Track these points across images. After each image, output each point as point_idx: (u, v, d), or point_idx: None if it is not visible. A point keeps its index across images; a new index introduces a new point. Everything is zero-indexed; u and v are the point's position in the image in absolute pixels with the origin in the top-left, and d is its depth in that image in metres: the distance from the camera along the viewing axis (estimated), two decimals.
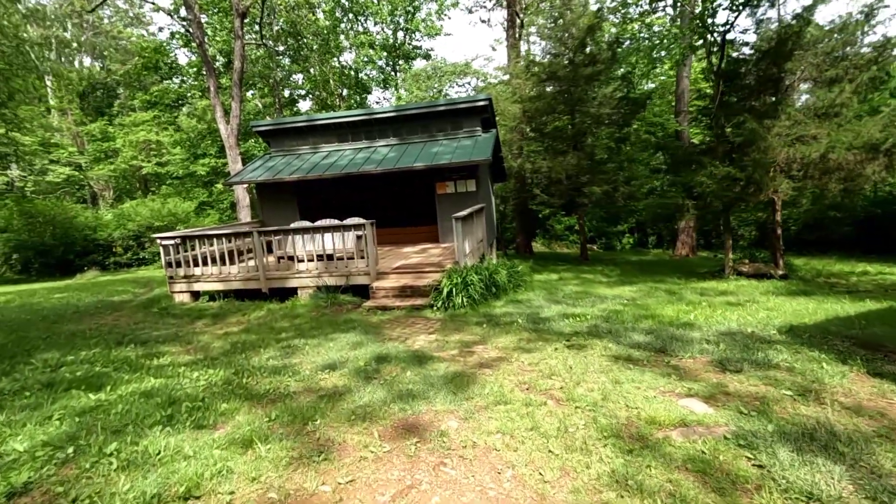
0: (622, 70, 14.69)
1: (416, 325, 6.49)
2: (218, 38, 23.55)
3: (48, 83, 29.13)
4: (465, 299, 7.27)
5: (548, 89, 14.86)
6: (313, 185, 12.81)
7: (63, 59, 35.68)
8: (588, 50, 14.23)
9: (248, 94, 28.19)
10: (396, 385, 4.01)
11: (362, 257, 8.70)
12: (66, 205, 23.19)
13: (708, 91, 11.56)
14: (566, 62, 14.36)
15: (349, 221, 8.81)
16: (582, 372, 4.00)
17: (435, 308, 7.24)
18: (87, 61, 38.97)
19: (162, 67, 21.91)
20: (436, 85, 22.89)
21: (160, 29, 28.56)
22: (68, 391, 4.08)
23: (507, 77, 18.98)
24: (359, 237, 8.94)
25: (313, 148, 12.87)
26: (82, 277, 19.19)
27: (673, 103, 18.69)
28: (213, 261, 9.12)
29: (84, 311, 9.31)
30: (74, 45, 36.24)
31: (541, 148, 15.43)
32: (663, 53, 22.38)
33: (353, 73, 27.08)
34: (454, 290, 7.28)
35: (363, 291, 8.48)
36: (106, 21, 36.93)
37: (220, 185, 25.80)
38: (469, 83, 23.56)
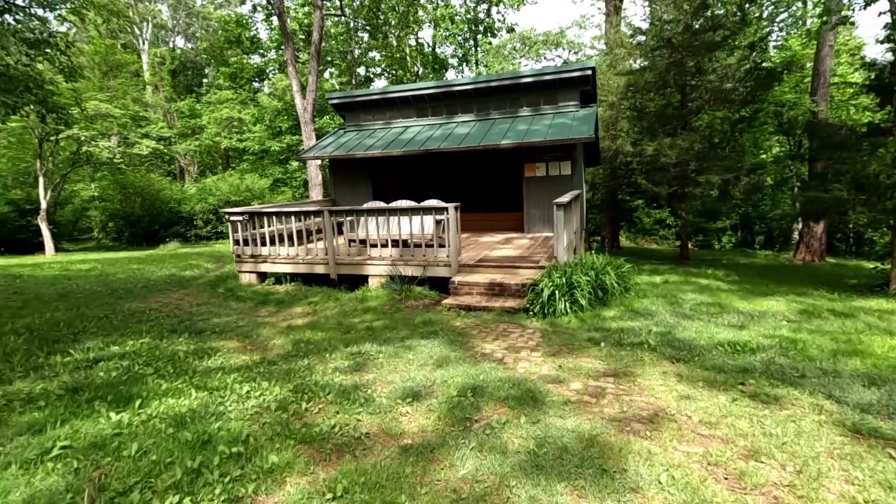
0: (755, 36, 12.30)
1: (510, 335, 5.24)
2: (300, 13, 23.24)
3: (144, 60, 30.53)
4: (568, 305, 5.90)
5: (657, 60, 12.81)
6: (388, 163, 11.84)
7: (159, 39, 37.57)
8: (710, 13, 12.03)
9: (325, 74, 27.94)
10: (510, 442, 2.78)
11: (442, 245, 7.55)
12: (154, 177, 24.14)
13: (881, 61, 9.15)
14: (681, 28, 12.24)
15: (428, 204, 7.68)
16: (809, 455, 2.54)
17: (531, 313, 5.94)
18: (180, 42, 40.94)
19: (243, 41, 21.95)
20: (520, 59, 21.14)
21: (242, 2, 28.74)
22: (91, 404, 3.24)
23: (604, 47, 16.95)
24: (438, 222, 7.80)
25: (389, 123, 11.86)
26: (164, 248, 19.76)
27: (806, 79, 15.79)
28: (281, 240, 8.36)
29: (153, 285, 8.94)
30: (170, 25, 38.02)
31: (641, 127, 13.46)
32: (788, 19, 19.23)
33: (430, 49, 25.87)
34: (556, 292, 5.93)
35: (442, 285, 7.34)
36: (199, 3, 38.38)
37: (294, 163, 25.84)
38: (559, 56, 21.55)
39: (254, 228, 8.51)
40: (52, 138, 17.98)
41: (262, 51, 24.22)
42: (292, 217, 8.29)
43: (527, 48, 20.08)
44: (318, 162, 15.99)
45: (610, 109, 14.31)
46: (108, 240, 24.35)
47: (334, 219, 7.94)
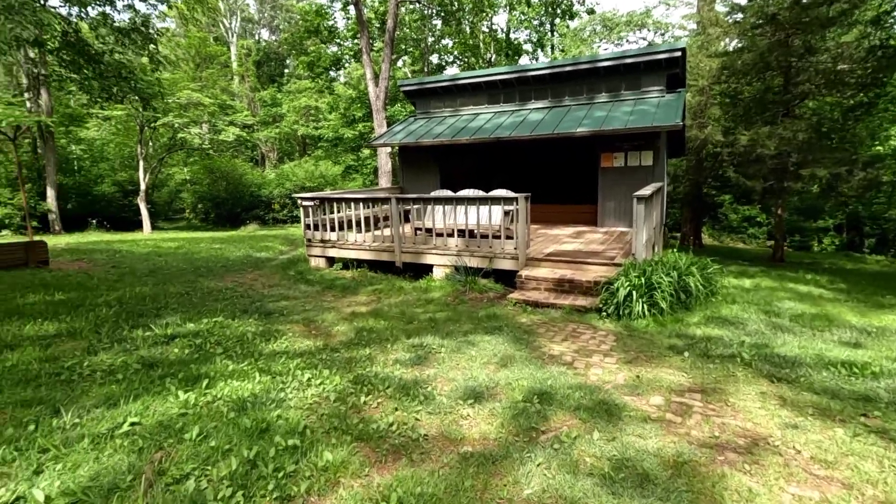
0: (880, 9, 10.65)
1: (580, 336, 4.89)
2: (376, 1, 23.52)
3: (232, 52, 32.42)
4: (646, 307, 5.42)
5: (757, 40, 11.55)
6: (457, 151, 11.63)
7: (246, 32, 39.78)
8: None
9: (398, 62, 28.19)
10: (581, 460, 2.50)
11: (509, 237, 7.26)
12: (238, 163, 25.67)
13: None
14: (789, 2, 10.91)
15: (497, 193, 7.41)
16: None
17: (604, 314, 5.53)
18: (264, 34, 43.12)
19: (322, 31, 22.64)
20: (600, 43, 19.98)
21: None
22: (163, 380, 3.34)
23: (695, 26, 15.58)
24: (507, 213, 7.51)
25: (460, 110, 11.63)
26: (244, 230, 21.00)
27: None
28: (350, 226, 8.46)
29: (231, 265, 9.42)
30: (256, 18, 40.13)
31: (735, 114, 12.25)
32: None
33: (504, 35, 25.20)
34: (634, 293, 5.47)
35: (508, 278, 7.07)
36: None
37: (365, 150, 26.40)
38: (644, 38, 20.12)
39: (324, 214, 8.67)
40: (151, 125, 19.57)
41: (338, 40, 24.88)
42: (361, 203, 8.35)
43: (608, 31, 18.85)
44: (388, 149, 16.13)
45: (699, 95, 13.15)
46: (197, 220, 26.29)
47: (401, 206, 7.88)
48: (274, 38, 41.89)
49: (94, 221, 20.17)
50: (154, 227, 20.79)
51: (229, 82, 30.23)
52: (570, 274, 6.45)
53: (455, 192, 8.98)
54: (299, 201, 8.92)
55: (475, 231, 7.40)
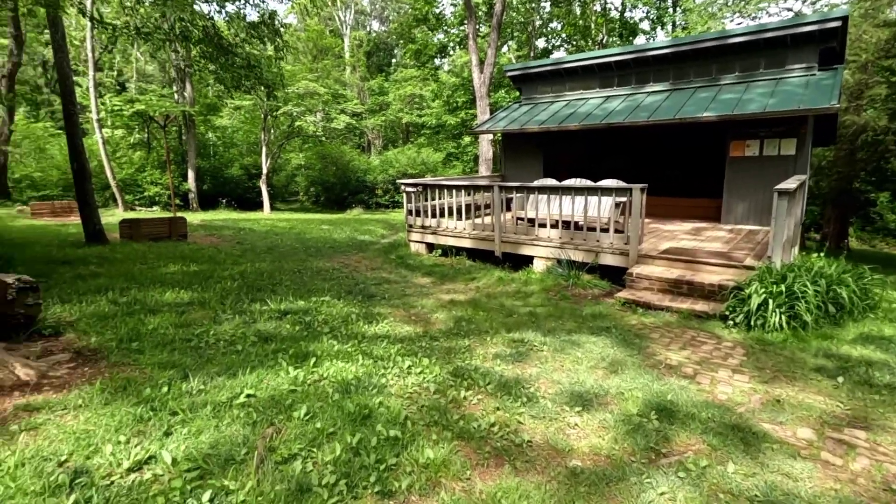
0: None
1: (701, 345, 4.36)
2: None
3: (345, 44, 34.13)
4: (784, 319, 4.68)
5: None
6: (562, 137, 11.08)
7: (358, 24, 41.63)
8: None
9: (503, 49, 27.66)
10: (713, 496, 2.15)
11: (618, 231, 6.73)
12: (346, 149, 27.10)
13: None
14: None
15: (607, 184, 6.89)
16: None
17: (729, 322, 4.89)
18: (375, 25, 44.83)
19: (429, 19, 22.92)
20: (731, 17, 17.80)
21: None
22: (276, 355, 3.51)
23: None
24: (617, 205, 6.95)
25: (569, 94, 11.03)
26: (349, 213, 22.17)
27: None
28: (450, 213, 8.44)
29: (337, 246, 9.91)
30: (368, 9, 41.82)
31: None
32: None
33: (618, 13, 23.52)
34: (770, 301, 4.75)
35: (614, 275, 6.57)
36: None
37: (466, 138, 26.42)
38: (788, 9, 17.54)
39: (425, 200, 8.73)
40: (273, 114, 21.30)
41: (445, 27, 25.04)
42: (462, 191, 8.27)
43: (743, 2, 16.64)
44: (490, 137, 15.92)
45: (859, 72, 11.16)
46: (309, 202, 28.30)
47: (503, 195, 7.66)
48: (383, 28, 43.37)
49: (223, 201, 22.55)
50: (272, 208, 22.72)
51: (342, 73, 31.91)
52: (689, 275, 5.81)
53: (559, 180, 8.55)
54: (402, 187, 9.08)
55: (580, 223, 6.97)
